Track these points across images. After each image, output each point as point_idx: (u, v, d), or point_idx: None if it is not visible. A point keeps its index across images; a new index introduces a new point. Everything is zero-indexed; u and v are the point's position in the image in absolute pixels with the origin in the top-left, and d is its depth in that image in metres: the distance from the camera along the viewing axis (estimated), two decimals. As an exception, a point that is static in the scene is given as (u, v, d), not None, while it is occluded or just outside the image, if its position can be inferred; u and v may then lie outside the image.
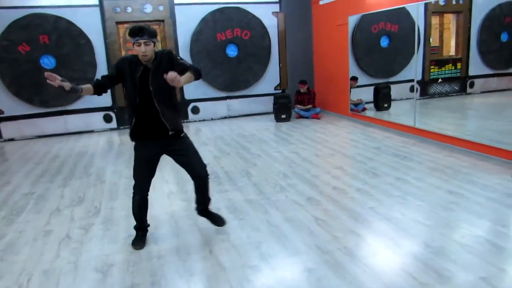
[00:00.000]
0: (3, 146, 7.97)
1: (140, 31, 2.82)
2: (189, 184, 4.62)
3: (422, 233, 3.28)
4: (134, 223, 3.59)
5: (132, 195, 3.27)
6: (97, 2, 8.39)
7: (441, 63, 8.81)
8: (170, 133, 3.05)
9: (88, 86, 2.94)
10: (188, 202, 4.19)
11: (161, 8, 8.72)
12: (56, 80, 2.67)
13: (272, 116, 8.90)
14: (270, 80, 9.62)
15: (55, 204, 4.41)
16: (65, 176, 5.50)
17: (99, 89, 2.99)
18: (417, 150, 5.78)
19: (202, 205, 3.43)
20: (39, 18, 8.09)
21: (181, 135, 3.17)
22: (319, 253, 3.03)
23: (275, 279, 2.73)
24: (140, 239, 3.33)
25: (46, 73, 2.66)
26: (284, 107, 8.66)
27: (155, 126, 3.03)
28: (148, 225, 3.45)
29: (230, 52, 9.23)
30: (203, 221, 3.68)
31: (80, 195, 4.66)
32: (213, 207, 3.97)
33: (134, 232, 3.48)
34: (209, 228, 3.53)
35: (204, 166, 3.27)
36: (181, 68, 2.94)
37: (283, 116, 8.62)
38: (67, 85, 2.71)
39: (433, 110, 8.55)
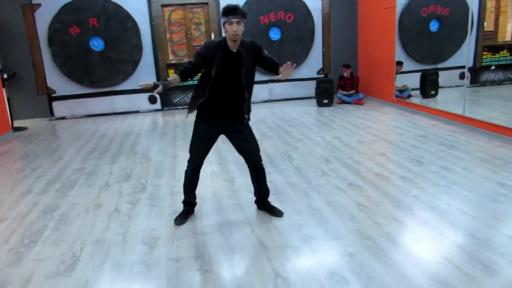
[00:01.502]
0: (55, 124, 8.38)
1: (234, 10, 2.85)
2: (231, 165, 4.74)
3: (468, 224, 3.19)
4: (178, 200, 3.72)
5: (185, 168, 3.37)
6: (144, -15, 8.56)
7: (495, 49, 8.41)
8: (245, 117, 3.17)
9: (175, 77, 3.00)
10: (229, 182, 4.27)
11: (206, -9, 8.78)
12: (149, 87, 2.81)
13: (314, 101, 8.83)
14: (312, 64, 9.52)
15: (104, 179, 4.62)
16: (113, 153, 5.73)
17: (185, 77, 3.03)
18: (466, 139, 5.58)
19: (260, 196, 3.48)
20: (89, 1, 8.37)
21: (246, 121, 3.23)
22: (360, 238, 3.03)
23: (316, 261, 2.76)
24: (183, 215, 3.42)
25: (140, 85, 2.83)
26: (326, 92, 8.57)
27: (231, 109, 3.12)
28: (195, 203, 3.52)
29: (273, 36, 9.19)
30: (245, 202, 3.77)
31: (127, 171, 4.85)
32: (252, 188, 4.04)
33: (179, 209, 3.60)
34: (251, 208, 3.60)
35: (259, 155, 3.32)
36: (270, 62, 3.07)
37: (325, 101, 8.54)
38: (159, 89, 2.85)
39: (484, 98, 8.20)
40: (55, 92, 8.69)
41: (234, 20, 2.85)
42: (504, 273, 2.53)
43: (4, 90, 7.60)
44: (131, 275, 2.66)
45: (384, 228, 3.15)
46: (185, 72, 3.02)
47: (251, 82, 3.15)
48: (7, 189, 4.49)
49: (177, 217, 3.41)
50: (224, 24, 2.90)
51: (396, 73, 8.29)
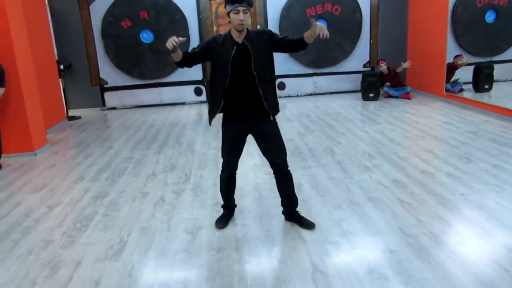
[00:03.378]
0: (106, 114, 8.75)
1: None
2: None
3: (519, 225, 3.06)
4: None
5: (220, 173, 3.28)
6: (192, -21, 8.70)
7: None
8: (270, 115, 2.97)
9: (179, 53, 2.82)
10: (271, 176, 4.26)
11: (253, -17, 8.79)
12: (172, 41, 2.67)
13: (360, 95, 8.66)
14: (359, 57, 9.33)
15: (151, 169, 4.80)
16: (160, 144, 5.92)
17: (184, 60, 2.87)
18: (520, 136, 5.31)
19: (288, 206, 3.25)
20: (140, -5, 8.62)
21: (272, 118, 3.01)
22: (402, 235, 2.98)
23: (356, 257, 2.75)
24: (224, 218, 3.31)
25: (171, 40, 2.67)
26: (372, 86, 8.38)
27: (250, 105, 2.93)
28: (235, 205, 3.42)
29: (319, 28, 9.06)
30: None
31: (173, 162, 5.00)
32: (296, 182, 4.05)
33: (221, 201, 3.68)
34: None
35: (285, 159, 3.11)
36: (288, 40, 2.91)
37: (371, 95, 8.36)
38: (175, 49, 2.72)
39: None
40: (107, 83, 9.06)
41: (241, 8, 2.70)
42: (555, 279, 2.41)
43: (60, 80, 8.02)
44: (174, 262, 2.77)
45: (427, 226, 3.08)
46: (185, 54, 2.86)
47: (267, 74, 2.93)
48: (62, 175, 4.77)
49: (218, 220, 3.30)
50: (229, 13, 2.74)
51: (457, 67, 7.95)
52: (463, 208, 3.39)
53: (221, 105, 2.93)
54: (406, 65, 8.36)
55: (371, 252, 2.80)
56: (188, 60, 2.91)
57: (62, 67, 8.18)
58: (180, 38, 2.69)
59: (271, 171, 4.37)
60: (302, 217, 3.22)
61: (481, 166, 4.30)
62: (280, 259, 2.77)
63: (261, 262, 2.75)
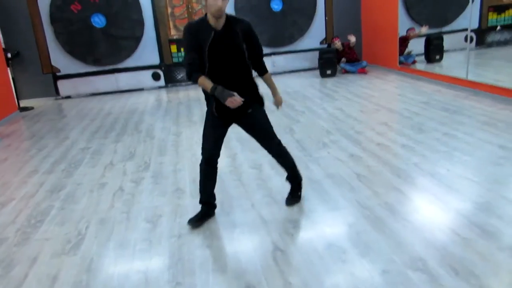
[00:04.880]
0: (61, 103, 8.44)
1: None
2: (233, 141, 4.76)
3: (468, 189, 3.22)
4: (181, 178, 3.78)
5: (199, 164, 3.01)
6: (143, -41, 8.41)
7: (501, 9, 8.20)
8: (253, 100, 2.86)
9: (204, 77, 2.69)
10: (231, 159, 4.31)
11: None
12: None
13: (318, 72, 8.74)
14: (315, 34, 9.38)
15: (109, 158, 4.69)
16: (118, 132, 5.79)
17: (200, 70, 2.71)
18: (469, 103, 5.53)
19: (288, 178, 3.26)
20: (88, -23, 8.25)
21: (255, 105, 2.91)
22: (359, 208, 3.07)
23: (315, 233, 2.81)
24: (199, 216, 3.04)
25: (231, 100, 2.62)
26: (329, 62, 8.47)
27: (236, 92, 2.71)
28: (215, 204, 3.16)
29: (274, 6, 9.03)
30: (246, 177, 3.82)
31: (131, 150, 4.91)
32: (255, 163, 4.09)
33: (181, 187, 3.68)
34: (252, 183, 3.65)
35: (275, 140, 3.04)
36: (256, 53, 2.82)
37: (329, 72, 8.45)
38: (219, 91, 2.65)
39: (490, 60, 8.06)
40: (59, 71, 8.71)
41: None
42: (501, 235, 2.56)
43: (8, 70, 7.64)
44: (134, 253, 2.74)
45: (382, 197, 3.19)
46: (196, 68, 2.69)
47: (240, 64, 2.77)
48: (14, 169, 4.59)
49: (192, 218, 3.04)
50: None
51: (409, 39, 8.13)
52: (416, 177, 3.52)
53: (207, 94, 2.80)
54: (352, 38, 8.44)
55: (330, 227, 2.88)
56: (201, 66, 2.72)
57: (9, 55, 7.78)
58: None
59: (231, 153, 4.42)
60: (292, 192, 3.26)
61: (433, 135, 4.47)
62: (241, 241, 2.80)
63: (223, 245, 2.77)
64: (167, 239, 2.88)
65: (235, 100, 2.62)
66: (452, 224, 2.75)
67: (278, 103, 3.12)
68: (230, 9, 8.79)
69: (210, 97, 2.83)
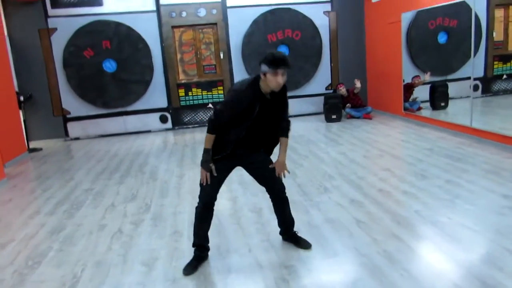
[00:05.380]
0: (69, 144, 8.59)
1: (284, 61, 2.62)
2: (235, 184, 4.78)
3: (469, 239, 3.15)
4: (180, 220, 3.78)
5: (196, 205, 3.02)
6: (154, 8, 8.80)
7: (506, 58, 8.31)
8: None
9: (208, 137, 2.82)
10: (232, 202, 4.31)
11: (214, 11, 8.97)
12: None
13: (323, 117, 8.84)
14: (321, 80, 9.57)
15: (110, 200, 4.71)
16: (122, 173, 5.84)
17: (218, 130, 2.83)
18: (473, 151, 5.51)
19: (285, 228, 3.23)
20: (102, 24, 8.63)
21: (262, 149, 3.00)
22: (358, 255, 3.02)
23: (311, 280, 2.76)
24: (193, 263, 3.00)
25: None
26: (334, 107, 8.58)
27: (251, 146, 2.91)
28: (208, 247, 3.12)
29: (281, 53, 9.26)
30: (245, 220, 3.80)
31: (134, 192, 4.94)
32: (255, 207, 4.08)
33: (180, 229, 3.66)
34: (250, 228, 3.63)
35: (282, 184, 3.09)
36: (283, 112, 2.90)
37: (334, 117, 8.54)
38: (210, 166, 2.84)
39: (495, 108, 8.08)
40: (69, 113, 8.92)
41: (281, 71, 2.62)
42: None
43: (20, 112, 7.85)
44: (127, 296, 2.71)
45: (381, 245, 3.14)
46: (218, 125, 2.79)
47: (279, 122, 2.94)
48: (17, 211, 4.62)
49: (186, 266, 2.99)
50: (266, 73, 2.64)
51: (415, 86, 8.25)
52: (417, 225, 3.47)
53: (227, 152, 2.83)
54: (357, 84, 8.59)
55: (326, 274, 2.82)
56: (221, 127, 2.82)
57: (22, 98, 8.03)
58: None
59: (232, 196, 4.42)
60: (299, 237, 3.24)
61: (435, 182, 4.44)
62: (235, 287, 2.75)
63: (216, 290, 2.73)
64: (161, 283, 2.85)
65: (204, 176, 2.84)
66: (452, 275, 2.69)
67: (279, 165, 2.99)
68: (237, 56, 9.07)
69: (222, 146, 2.85)
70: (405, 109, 8.28)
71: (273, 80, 2.64)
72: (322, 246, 3.19)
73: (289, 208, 3.21)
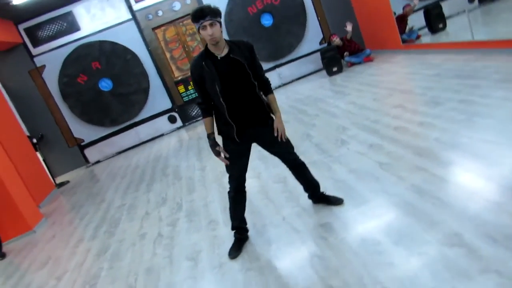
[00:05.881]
0: (92, 169, 8.79)
1: (201, 12, 2.60)
2: (256, 161, 4.83)
3: (493, 153, 3.14)
4: (213, 210, 3.88)
5: (228, 191, 3.10)
6: (130, 16, 8.76)
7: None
8: (271, 116, 2.96)
9: (206, 120, 2.92)
10: (257, 178, 4.38)
11: (188, 1, 8.88)
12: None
13: (324, 72, 8.76)
14: (312, 37, 9.42)
15: (143, 209, 4.86)
16: (147, 182, 5.98)
17: (210, 108, 2.91)
18: (481, 65, 5.39)
19: (310, 189, 3.25)
20: (86, 47, 8.66)
21: (269, 120, 2.97)
22: (387, 196, 3.06)
23: (347, 232, 2.83)
24: (236, 247, 3.09)
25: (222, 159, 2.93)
26: (333, 60, 8.47)
27: (253, 114, 2.88)
28: (247, 229, 3.20)
29: (265, 22, 9.16)
30: (273, 193, 3.87)
31: (163, 195, 5.07)
32: (279, 177, 4.14)
33: (214, 218, 3.77)
34: (279, 198, 3.70)
35: (294, 152, 3.11)
36: (258, 74, 2.87)
37: (335, 69, 8.45)
38: (218, 147, 2.92)
39: (496, 16, 7.80)
40: (83, 141, 9.11)
41: (206, 23, 2.61)
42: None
43: (38, 154, 8.07)
44: (181, 293, 2.84)
45: (408, 181, 3.17)
46: (205, 106, 2.89)
47: (251, 81, 2.83)
48: (63, 244, 4.82)
49: (230, 250, 3.09)
50: (198, 30, 2.67)
51: (408, 16, 8.05)
52: (438, 152, 3.47)
53: (235, 132, 2.86)
54: (349, 27, 8.43)
55: (361, 223, 2.88)
56: (209, 104, 2.90)
57: (35, 140, 8.23)
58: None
59: (256, 173, 4.48)
60: (329, 196, 3.26)
61: (449, 105, 4.39)
62: (279, 257, 2.85)
63: (261, 265, 2.82)
64: (209, 271, 2.97)
65: (222, 159, 2.92)
66: (482, 191, 2.71)
67: (277, 126, 2.93)
68: (224, 37, 9.00)
69: (226, 127, 2.88)
70: (404, 41, 8.11)
71: (205, 35, 2.65)
72: (351, 197, 3.24)
73: (309, 172, 3.22)
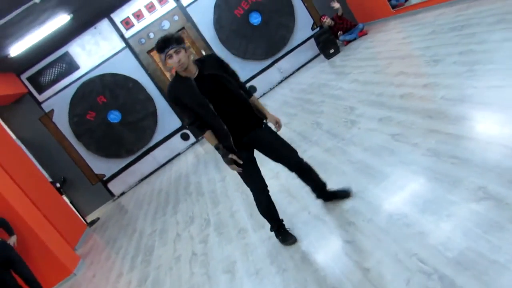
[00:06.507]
0: (119, 201, 8.94)
1: (164, 42, 2.65)
2: (272, 163, 4.81)
3: (501, 97, 3.08)
4: (240, 219, 3.90)
5: (254, 200, 3.12)
6: (123, 45, 8.89)
7: None
8: (263, 121, 2.96)
9: (208, 132, 2.90)
10: (276, 178, 4.36)
11: (176, 18, 8.95)
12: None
13: (322, 57, 8.70)
14: (303, 24, 9.36)
15: (174, 231, 4.91)
16: (173, 204, 6.05)
17: (203, 124, 2.88)
18: (473, 11, 5.28)
19: (318, 190, 3.19)
20: (88, 84, 8.82)
21: (263, 124, 2.98)
22: (405, 167, 3.03)
23: (373, 211, 2.80)
24: (286, 234, 3.11)
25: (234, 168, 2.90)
26: (328, 42, 8.40)
27: (244, 122, 2.89)
28: (282, 220, 3.19)
29: (254, 21, 9.15)
30: (295, 189, 3.86)
31: (190, 214, 5.12)
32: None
33: (243, 226, 3.79)
34: (302, 192, 3.68)
35: (297, 156, 3.03)
36: (235, 79, 2.90)
37: (331, 51, 8.37)
38: (225, 153, 2.88)
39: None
40: (105, 176, 9.27)
41: (171, 51, 2.65)
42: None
43: (64, 197, 8.25)
44: (224, 306, 2.86)
45: (423, 146, 3.13)
46: (198, 122, 2.87)
47: (236, 88, 2.87)
48: (104, 281, 4.91)
49: (283, 238, 3.10)
50: (165, 60, 2.70)
51: None
52: (447, 109, 3.41)
53: (233, 141, 2.85)
54: (335, 4, 8.35)
55: (385, 199, 2.85)
56: (200, 121, 2.88)
57: (58, 185, 8.41)
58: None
59: (274, 174, 4.48)
60: (336, 192, 3.18)
61: (449, 60, 4.31)
62: (312, 252, 2.84)
63: (296, 263, 2.82)
64: (247, 279, 2.99)
65: (235, 168, 2.89)
66: (498, 139, 2.65)
67: (274, 121, 2.97)
68: (217, 46, 9.04)
69: (224, 141, 2.89)
70: (394, 7, 7.99)
71: (173, 63, 2.67)
72: (371, 176, 3.21)
73: (315, 172, 3.13)
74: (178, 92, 2.79)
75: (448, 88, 3.74)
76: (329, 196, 3.20)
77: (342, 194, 3.16)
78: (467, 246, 2.05)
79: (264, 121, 3.00)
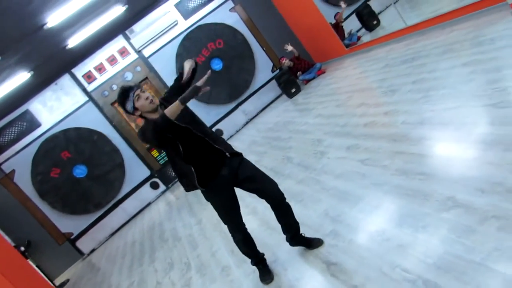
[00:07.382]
0: (90, 259, 8.59)
1: (126, 90, 2.68)
2: (247, 198, 4.88)
3: (456, 116, 3.34)
4: (221, 257, 3.88)
5: (233, 239, 3.09)
6: (86, 98, 8.87)
7: None
8: (227, 154, 2.86)
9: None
10: (253, 213, 4.42)
11: (138, 69, 9.10)
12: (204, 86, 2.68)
13: (285, 96, 9.02)
14: (264, 67, 9.72)
15: (154, 280, 4.79)
16: (149, 253, 5.91)
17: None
18: (421, 44, 5.73)
19: (291, 231, 3.05)
20: (51, 140, 8.64)
21: (240, 156, 2.94)
22: (377, 187, 3.17)
23: (353, 232, 2.90)
24: (264, 271, 3.13)
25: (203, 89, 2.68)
26: (289, 82, 8.77)
27: (213, 159, 2.81)
28: (263, 254, 3.19)
29: (216, 67, 9.44)
30: (273, 221, 3.85)
31: (168, 261, 5.02)
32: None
33: (226, 265, 3.76)
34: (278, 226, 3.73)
35: (279, 190, 2.95)
36: (174, 86, 2.93)
37: (293, 90, 8.71)
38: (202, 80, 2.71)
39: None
40: (72, 234, 8.93)
41: (137, 92, 2.68)
42: (504, 137, 2.66)
43: (29, 261, 7.84)
44: None
45: (391, 167, 3.30)
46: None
47: (204, 124, 2.89)
48: None
49: (262, 277, 3.10)
50: (133, 108, 2.68)
51: (341, 23, 8.48)
52: (409, 132, 3.64)
53: (194, 170, 2.77)
54: (289, 48, 8.84)
55: (362, 220, 2.97)
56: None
57: (22, 248, 8.02)
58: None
59: (251, 210, 4.53)
60: (307, 238, 3.09)
61: (405, 89, 4.63)
62: (298, 277, 2.88)
63: (284, 291, 2.84)
64: (236, 316, 2.95)
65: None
66: (458, 152, 2.86)
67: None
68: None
69: (205, 175, 2.82)
70: (347, 46, 8.50)
71: (143, 102, 2.67)
72: (346, 199, 3.33)
73: (293, 213, 3.03)
74: (154, 129, 2.59)
75: (407, 114, 4.00)
76: (301, 241, 3.09)
77: (315, 243, 3.04)
78: (444, 251, 2.17)
79: (240, 156, 2.95)
